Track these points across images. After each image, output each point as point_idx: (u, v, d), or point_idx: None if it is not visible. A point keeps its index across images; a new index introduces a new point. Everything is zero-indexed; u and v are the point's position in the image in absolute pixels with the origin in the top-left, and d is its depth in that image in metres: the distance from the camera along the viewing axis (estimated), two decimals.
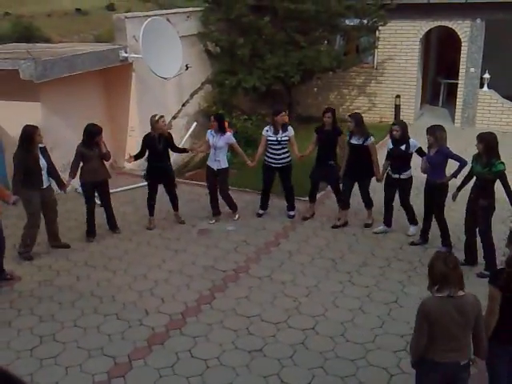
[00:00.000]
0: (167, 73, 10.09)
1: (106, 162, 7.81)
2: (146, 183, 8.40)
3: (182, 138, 10.74)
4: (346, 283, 6.64)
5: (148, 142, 7.90)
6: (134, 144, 9.90)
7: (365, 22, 12.57)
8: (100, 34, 18.18)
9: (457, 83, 13.60)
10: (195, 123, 11.02)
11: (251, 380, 5.05)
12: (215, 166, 8.15)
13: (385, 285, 6.59)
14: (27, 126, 6.96)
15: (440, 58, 15.61)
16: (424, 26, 13.35)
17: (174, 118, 11.86)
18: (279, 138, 8.09)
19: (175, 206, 8.31)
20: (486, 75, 13.20)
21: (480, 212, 6.61)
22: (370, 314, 6.02)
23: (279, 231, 8.08)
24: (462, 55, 13.25)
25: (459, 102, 13.56)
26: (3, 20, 20.39)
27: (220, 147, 8.04)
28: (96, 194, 7.78)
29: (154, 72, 9.72)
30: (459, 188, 6.92)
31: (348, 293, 6.44)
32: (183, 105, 12.21)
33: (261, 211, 8.57)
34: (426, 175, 7.31)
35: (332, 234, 7.97)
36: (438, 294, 3.76)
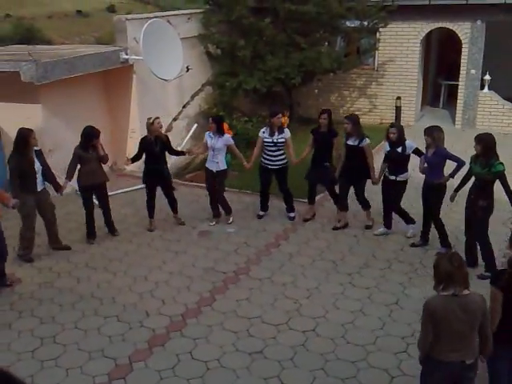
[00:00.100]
0: (168, 74, 10.09)
1: (104, 165, 7.77)
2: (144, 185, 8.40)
3: (182, 140, 10.75)
4: (347, 285, 6.64)
5: (145, 145, 7.88)
6: (134, 146, 9.89)
7: (365, 23, 12.59)
8: (101, 35, 18.23)
9: (457, 85, 13.59)
10: (196, 125, 11.02)
11: (252, 382, 5.04)
12: (214, 168, 8.14)
13: (385, 286, 6.59)
14: (22, 128, 6.89)
15: (440, 60, 15.61)
16: (424, 27, 13.36)
17: (175, 119, 11.87)
18: (275, 140, 8.08)
19: (174, 209, 8.28)
20: (487, 77, 13.20)
21: (479, 212, 6.60)
22: (370, 315, 6.01)
23: (279, 233, 8.07)
24: (462, 57, 13.26)
25: (460, 103, 13.55)
26: (4, 22, 20.41)
27: (218, 149, 8.04)
28: (94, 197, 7.76)
29: (154, 74, 9.72)
30: (457, 189, 6.92)
31: (349, 294, 6.43)
32: (184, 106, 12.23)
33: (261, 212, 8.57)
34: (424, 176, 7.31)
35: (332, 235, 7.96)
36: (443, 293, 3.76)
